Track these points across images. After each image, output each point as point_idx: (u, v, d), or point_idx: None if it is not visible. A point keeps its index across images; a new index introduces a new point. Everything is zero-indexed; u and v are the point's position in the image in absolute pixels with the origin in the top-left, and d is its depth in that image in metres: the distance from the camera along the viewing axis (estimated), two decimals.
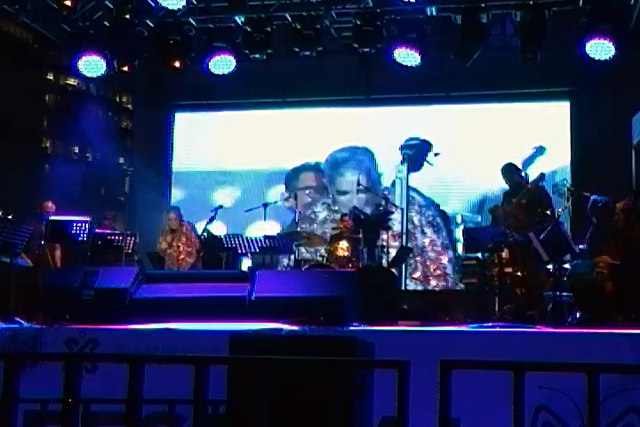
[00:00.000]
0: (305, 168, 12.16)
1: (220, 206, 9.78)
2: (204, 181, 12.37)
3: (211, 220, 9.40)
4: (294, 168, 12.12)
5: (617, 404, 3.09)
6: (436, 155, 11.14)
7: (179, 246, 9.55)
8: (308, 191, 11.90)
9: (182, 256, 9.53)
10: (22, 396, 3.24)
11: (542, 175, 8.27)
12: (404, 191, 10.90)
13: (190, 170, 12.50)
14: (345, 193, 11.71)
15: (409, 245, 11.02)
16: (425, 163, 11.24)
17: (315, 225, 11.47)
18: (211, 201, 11.71)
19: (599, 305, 7.00)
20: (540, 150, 11.05)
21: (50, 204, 9.04)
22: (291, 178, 12.14)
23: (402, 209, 10.98)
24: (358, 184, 10.43)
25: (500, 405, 3.08)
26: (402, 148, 11.35)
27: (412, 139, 11.46)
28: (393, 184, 11.11)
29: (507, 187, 8.61)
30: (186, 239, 9.61)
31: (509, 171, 8.58)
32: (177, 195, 12.43)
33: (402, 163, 11.15)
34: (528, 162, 10.89)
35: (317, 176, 12.06)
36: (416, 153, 11.27)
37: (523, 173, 8.78)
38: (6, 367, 3.19)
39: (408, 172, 10.94)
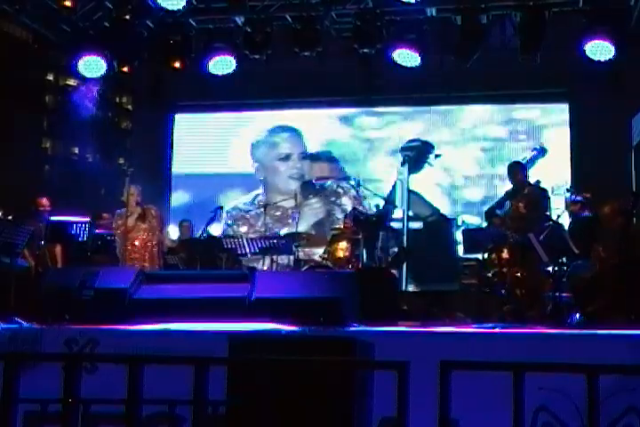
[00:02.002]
0: (317, 158, 11.97)
1: (220, 207, 9.75)
2: (204, 181, 12.37)
3: (210, 221, 9.39)
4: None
5: (616, 404, 3.10)
6: (437, 156, 11.12)
7: (131, 227, 8.31)
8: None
9: (131, 246, 8.34)
10: (22, 396, 3.24)
11: (538, 182, 8.32)
12: (404, 193, 10.88)
13: (190, 171, 12.50)
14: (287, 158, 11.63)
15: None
16: (426, 165, 11.20)
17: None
18: (210, 202, 11.70)
19: (599, 306, 7.01)
20: (542, 152, 11.03)
21: (44, 200, 9.05)
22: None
23: (403, 210, 10.94)
24: (358, 185, 10.39)
25: (499, 405, 3.09)
26: (402, 149, 11.32)
27: (412, 140, 11.44)
28: (394, 186, 11.07)
29: (508, 187, 8.63)
30: (149, 228, 8.42)
31: (514, 169, 8.58)
32: (176, 196, 12.45)
33: (402, 164, 11.12)
34: (529, 163, 10.89)
35: (332, 167, 11.92)
36: (417, 155, 11.23)
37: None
38: (6, 367, 3.19)
39: (409, 173, 10.92)
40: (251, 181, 12.27)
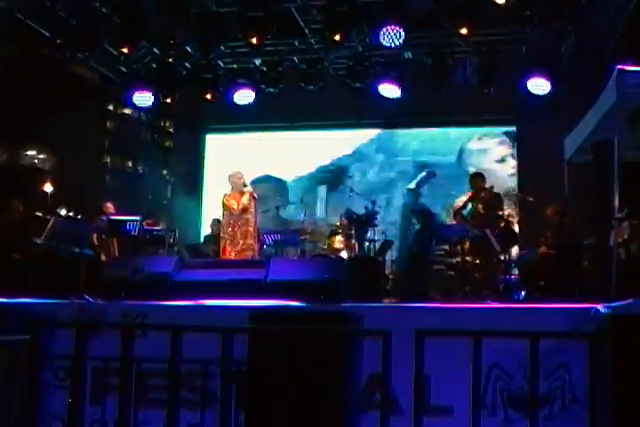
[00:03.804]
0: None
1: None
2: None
3: None
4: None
5: (551, 362, 3.11)
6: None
7: (235, 233, 7.76)
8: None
9: (231, 251, 7.80)
10: (90, 355, 3.26)
11: (492, 188, 8.30)
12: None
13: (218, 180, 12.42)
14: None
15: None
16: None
17: None
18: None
19: (540, 285, 7.02)
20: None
21: (109, 204, 9.06)
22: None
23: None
24: (351, 191, 10.32)
25: (462, 364, 3.09)
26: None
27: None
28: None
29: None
30: (247, 230, 7.83)
31: (474, 178, 8.55)
32: (207, 201, 12.39)
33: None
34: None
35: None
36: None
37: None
38: (77, 333, 3.21)
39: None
40: (265, 188, 12.21)
